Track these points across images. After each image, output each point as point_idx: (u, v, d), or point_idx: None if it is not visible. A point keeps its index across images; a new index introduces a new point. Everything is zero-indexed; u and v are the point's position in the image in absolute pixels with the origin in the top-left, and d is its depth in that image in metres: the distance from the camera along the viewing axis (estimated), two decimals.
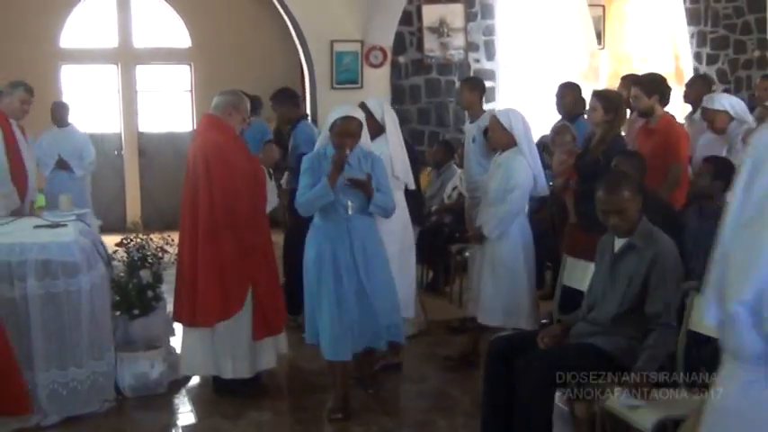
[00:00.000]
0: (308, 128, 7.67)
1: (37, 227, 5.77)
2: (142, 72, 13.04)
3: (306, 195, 5.30)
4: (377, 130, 6.18)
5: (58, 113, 9.68)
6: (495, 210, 5.94)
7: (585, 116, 6.71)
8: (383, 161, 5.59)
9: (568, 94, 7.63)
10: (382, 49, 10.72)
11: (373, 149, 5.73)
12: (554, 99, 7.72)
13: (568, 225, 6.43)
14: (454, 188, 8.90)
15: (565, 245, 6.34)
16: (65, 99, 11.90)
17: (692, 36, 12.16)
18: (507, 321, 5.94)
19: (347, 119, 5.29)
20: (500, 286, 5.93)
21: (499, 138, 5.99)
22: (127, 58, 12.88)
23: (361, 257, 5.32)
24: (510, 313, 5.92)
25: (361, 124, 5.36)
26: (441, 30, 11.28)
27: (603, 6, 12.08)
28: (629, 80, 7.79)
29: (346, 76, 10.65)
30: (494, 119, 6.06)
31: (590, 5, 11.84)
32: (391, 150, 6.20)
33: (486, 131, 6.61)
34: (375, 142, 6.02)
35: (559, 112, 7.67)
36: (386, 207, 5.43)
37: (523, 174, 5.87)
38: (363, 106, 6.07)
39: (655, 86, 6.58)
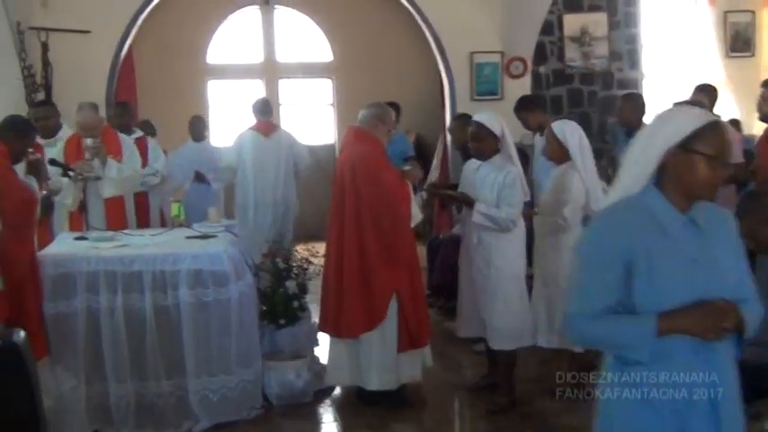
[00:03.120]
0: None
1: (188, 237, 5.95)
2: (285, 86, 13.29)
3: (597, 326, 2.68)
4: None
5: (196, 128, 9.91)
6: (543, 219, 5.76)
7: None
8: None
9: (626, 106, 7.40)
10: (523, 60, 10.60)
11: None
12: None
13: None
14: None
15: None
16: (210, 114, 12.34)
17: None
18: (540, 340, 5.79)
19: None
20: (543, 300, 5.75)
21: (553, 150, 5.76)
22: (270, 72, 13.16)
23: None
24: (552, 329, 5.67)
25: None
26: (582, 39, 11.08)
27: (753, 12, 11.59)
28: (700, 89, 7.58)
29: (486, 87, 10.57)
30: (549, 131, 5.81)
31: (738, 11, 11.45)
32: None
33: None
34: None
35: (621, 124, 7.46)
36: None
37: (575, 189, 5.59)
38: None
39: None
